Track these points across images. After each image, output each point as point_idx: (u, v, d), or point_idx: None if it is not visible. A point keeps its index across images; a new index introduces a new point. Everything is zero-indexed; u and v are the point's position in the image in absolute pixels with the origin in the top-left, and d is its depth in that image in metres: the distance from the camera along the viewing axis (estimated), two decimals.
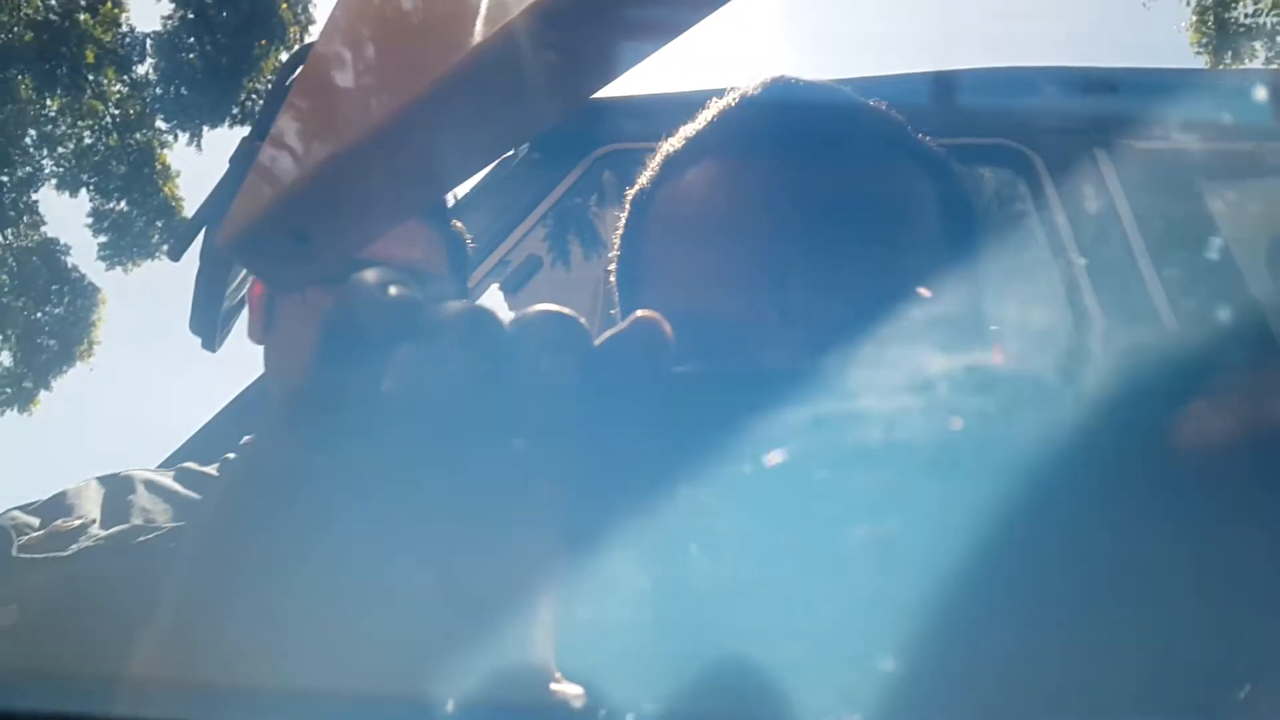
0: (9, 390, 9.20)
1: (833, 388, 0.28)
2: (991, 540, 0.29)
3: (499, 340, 0.28)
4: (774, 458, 0.28)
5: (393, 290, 0.28)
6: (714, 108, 0.53)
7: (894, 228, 0.46)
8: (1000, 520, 0.29)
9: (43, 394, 9.30)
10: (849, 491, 0.29)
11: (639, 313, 0.28)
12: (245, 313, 0.97)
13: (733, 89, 0.53)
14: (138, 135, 9.22)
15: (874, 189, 0.46)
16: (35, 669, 0.69)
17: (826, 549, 0.29)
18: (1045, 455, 0.30)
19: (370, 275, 0.29)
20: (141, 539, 0.79)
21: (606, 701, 0.28)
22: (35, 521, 0.82)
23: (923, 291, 0.41)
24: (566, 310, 0.28)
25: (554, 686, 0.29)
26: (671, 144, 0.54)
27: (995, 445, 0.29)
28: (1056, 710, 0.31)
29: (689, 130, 0.53)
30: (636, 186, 0.55)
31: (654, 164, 0.54)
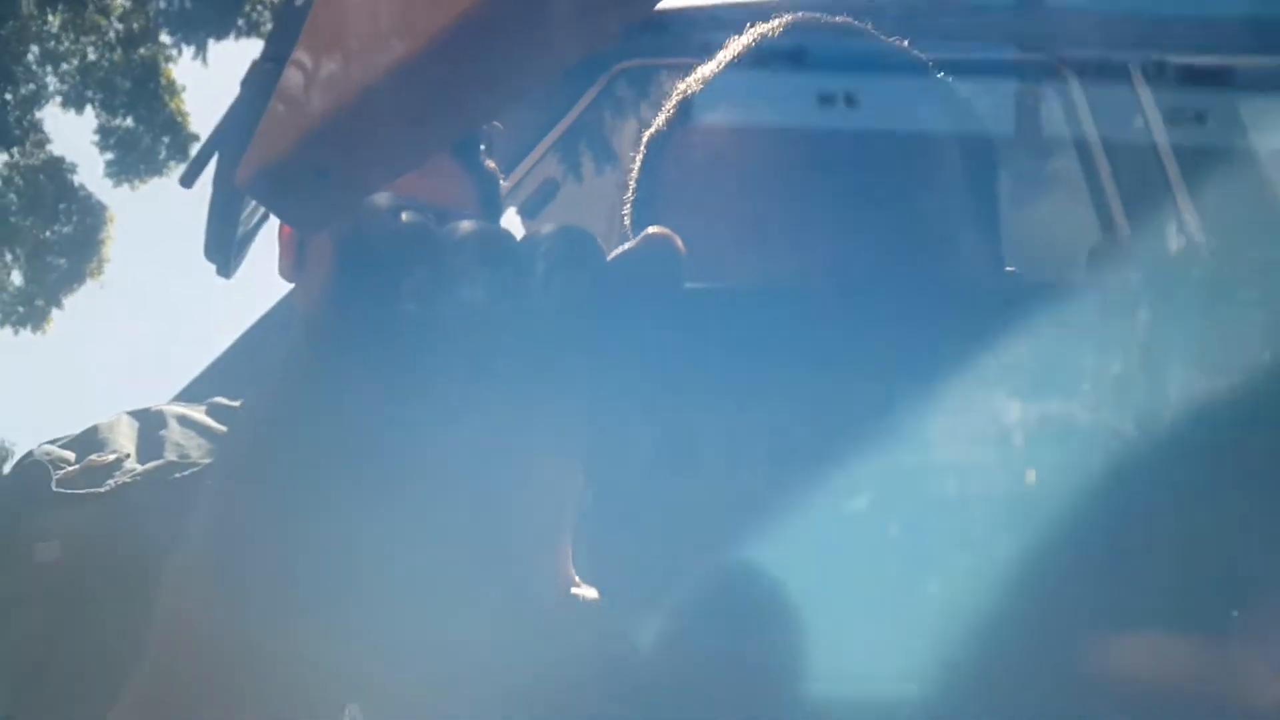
0: (21, 309, 9.24)
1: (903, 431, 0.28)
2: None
3: (512, 257, 0.27)
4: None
5: (405, 215, 0.28)
6: (731, 48, 0.51)
7: (917, 177, 0.46)
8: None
9: (55, 313, 9.34)
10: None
11: (651, 229, 0.28)
12: (261, 240, 0.96)
13: (750, 29, 0.51)
14: (142, 50, 9.08)
15: (897, 137, 0.46)
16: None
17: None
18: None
19: (382, 200, 0.28)
20: (178, 475, 0.79)
21: (622, 608, 0.29)
22: (70, 455, 0.83)
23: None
24: (579, 227, 0.28)
25: (574, 591, 0.30)
26: (689, 85, 0.53)
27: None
28: None
29: (706, 71, 0.52)
30: (653, 128, 0.54)
31: (670, 105, 0.53)
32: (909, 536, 0.28)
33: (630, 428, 0.29)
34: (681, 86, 0.53)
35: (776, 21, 0.50)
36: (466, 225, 0.28)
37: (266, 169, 0.30)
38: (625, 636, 0.29)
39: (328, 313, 0.29)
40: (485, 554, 0.29)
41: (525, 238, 0.28)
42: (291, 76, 0.30)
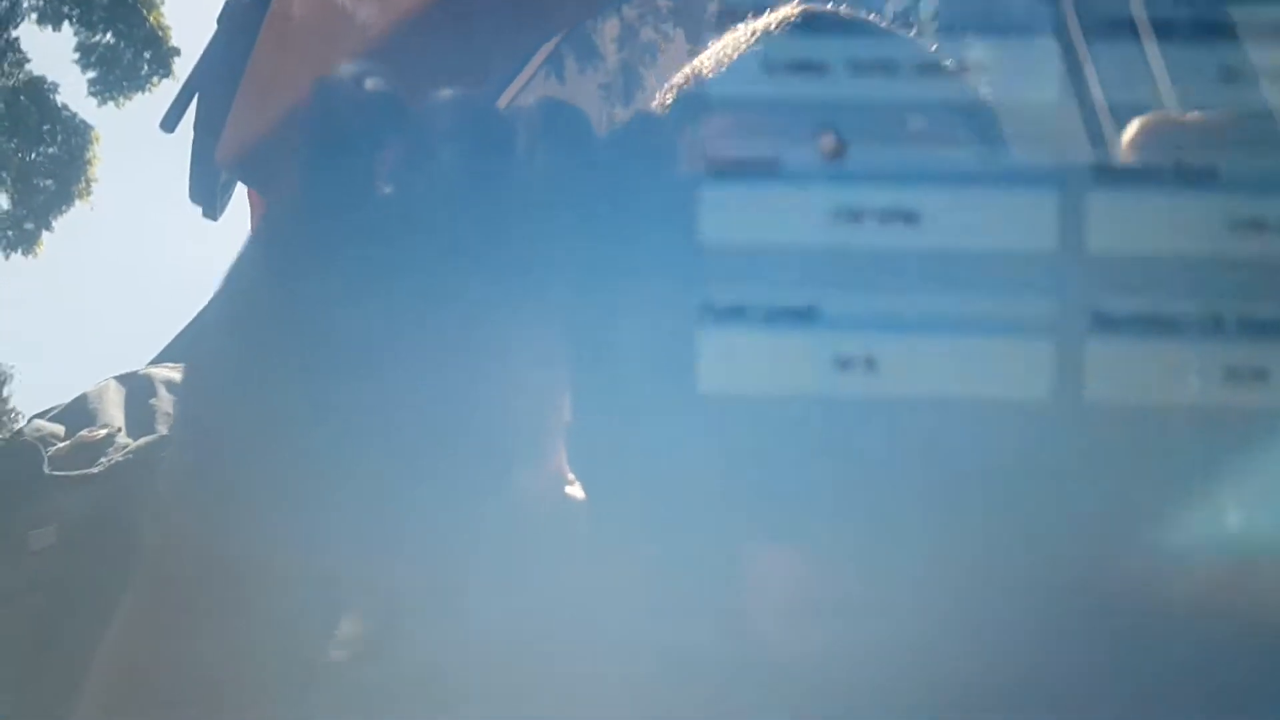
0: (10, 233, 9.15)
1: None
2: None
3: (494, 131, 0.26)
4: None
5: (371, 83, 0.26)
6: (730, 44, 0.47)
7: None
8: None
9: (45, 235, 9.25)
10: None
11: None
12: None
13: (750, 21, 0.47)
14: None
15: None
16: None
17: None
18: None
19: (346, 69, 0.27)
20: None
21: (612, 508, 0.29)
22: (60, 430, 0.82)
23: None
24: (567, 102, 0.26)
25: (568, 489, 0.29)
26: (686, 81, 0.49)
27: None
28: None
29: (704, 66, 0.48)
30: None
31: (665, 100, 0.50)
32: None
33: (623, 317, 0.28)
34: (678, 81, 0.49)
35: (778, 15, 0.45)
36: (444, 95, 0.26)
37: (244, 150, 0.29)
38: (617, 536, 0.29)
39: (295, 200, 0.27)
40: (477, 453, 0.28)
41: (508, 110, 0.27)
42: (264, 52, 0.29)
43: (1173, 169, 0.28)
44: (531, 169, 0.26)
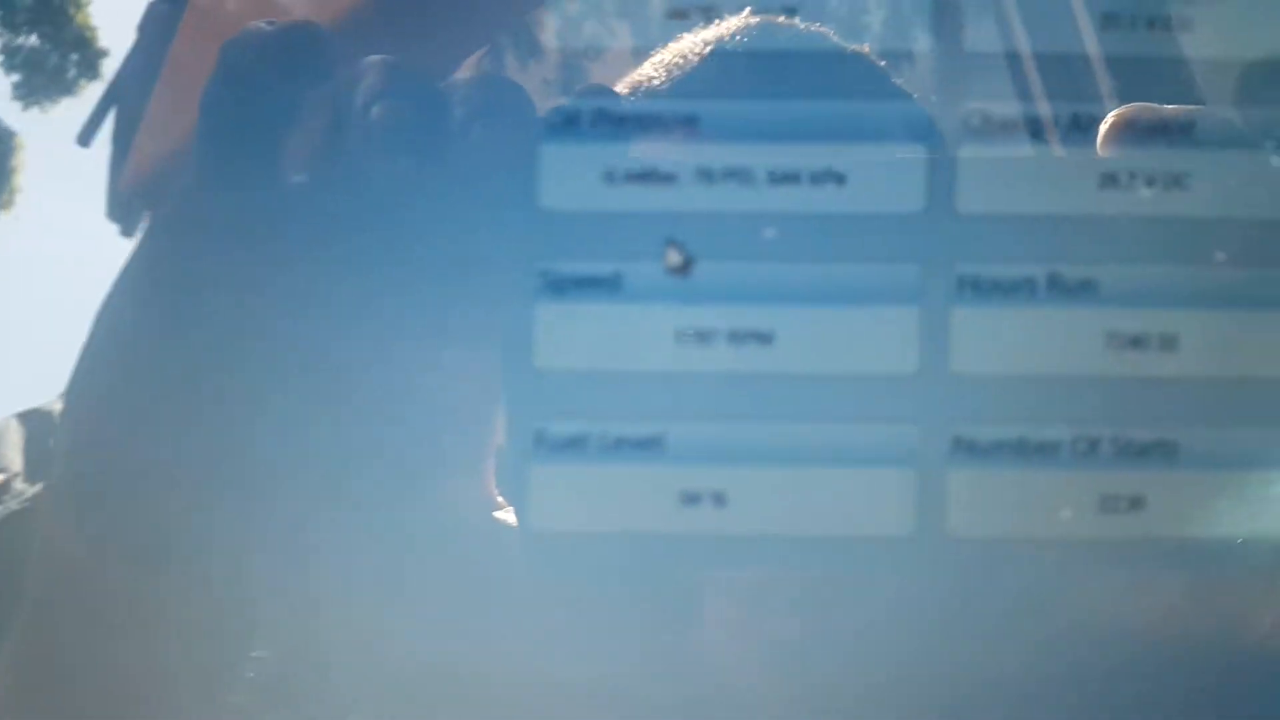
0: None
1: None
2: None
3: (429, 103, 0.24)
4: None
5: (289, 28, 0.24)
6: (681, 53, 0.45)
7: None
8: None
9: None
10: None
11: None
12: None
13: (703, 31, 0.45)
14: None
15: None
16: None
17: None
18: None
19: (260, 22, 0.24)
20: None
21: None
22: None
23: None
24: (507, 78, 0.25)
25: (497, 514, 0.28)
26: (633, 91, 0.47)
27: None
28: None
29: (650, 76, 0.46)
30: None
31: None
32: None
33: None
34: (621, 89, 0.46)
35: (732, 26, 0.43)
36: (374, 59, 0.24)
37: (149, 174, 0.26)
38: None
39: (193, 182, 0.24)
40: (405, 471, 0.26)
41: (443, 84, 0.24)
42: (175, 69, 0.27)
43: (1044, 278, 0.26)
44: (466, 144, 0.24)
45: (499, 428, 0.27)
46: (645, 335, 0.25)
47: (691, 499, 0.26)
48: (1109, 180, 0.25)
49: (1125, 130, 0.26)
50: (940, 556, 0.26)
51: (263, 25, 0.25)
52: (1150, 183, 0.26)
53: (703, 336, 0.25)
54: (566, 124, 0.25)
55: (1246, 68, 0.28)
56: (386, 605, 0.27)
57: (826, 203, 0.25)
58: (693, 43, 0.44)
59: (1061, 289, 0.25)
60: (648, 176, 0.25)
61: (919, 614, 0.26)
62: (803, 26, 0.43)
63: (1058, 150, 0.26)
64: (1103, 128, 0.26)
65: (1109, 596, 0.26)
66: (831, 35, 0.45)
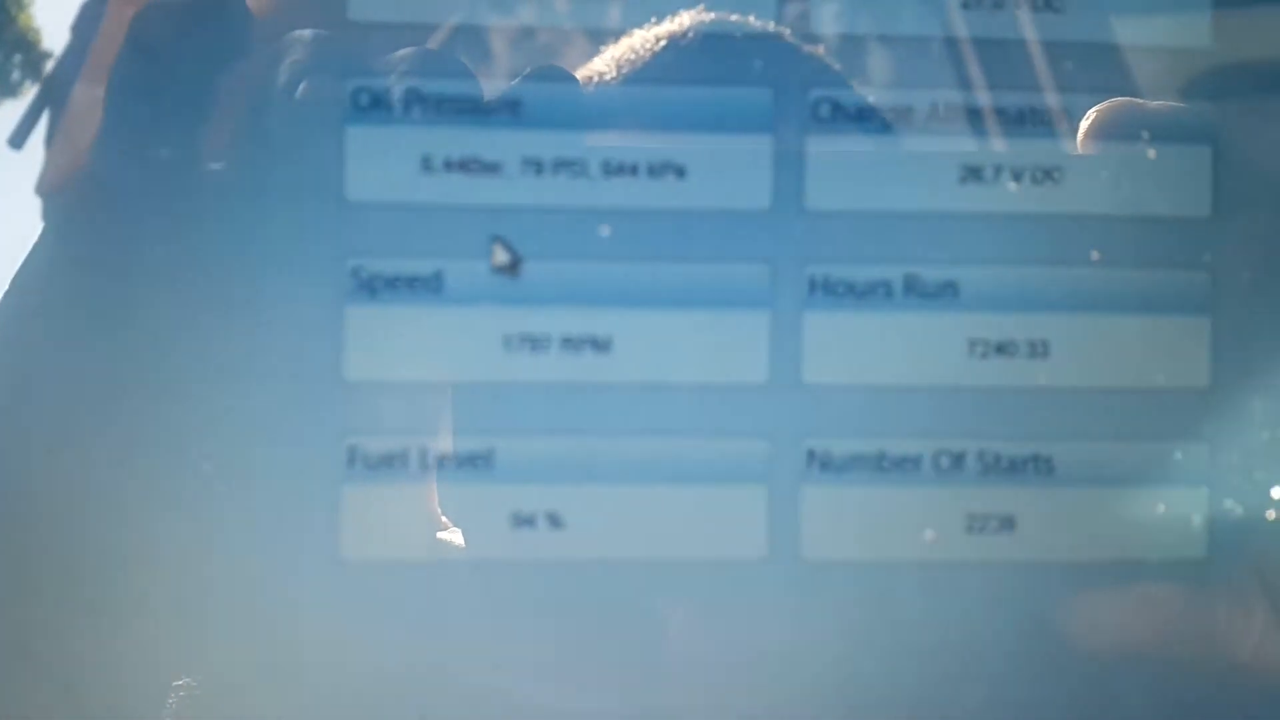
0: None
1: None
2: None
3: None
4: None
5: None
6: (632, 47, 0.43)
7: None
8: None
9: None
10: None
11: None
12: None
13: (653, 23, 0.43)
14: None
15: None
16: None
17: None
18: None
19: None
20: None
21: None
22: None
23: None
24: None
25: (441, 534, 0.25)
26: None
27: None
28: None
29: (601, 71, 0.44)
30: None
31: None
32: None
33: None
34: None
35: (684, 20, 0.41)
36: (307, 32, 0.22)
37: (63, 181, 0.24)
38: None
39: (97, 161, 0.23)
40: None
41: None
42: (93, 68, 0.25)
43: (901, 281, 0.24)
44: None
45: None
46: (469, 342, 0.23)
47: (524, 521, 0.23)
48: (972, 174, 0.24)
49: (1109, 126, 0.24)
50: (795, 581, 0.24)
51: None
52: (1017, 177, 0.24)
53: (533, 343, 0.23)
54: (376, 104, 0.23)
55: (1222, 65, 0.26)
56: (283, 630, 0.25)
57: (667, 197, 0.23)
58: (644, 37, 0.42)
59: (920, 292, 0.24)
60: (469, 165, 0.23)
61: (773, 641, 0.24)
62: (759, 25, 0.41)
63: (916, 143, 0.24)
64: (1084, 123, 0.24)
65: (980, 623, 0.24)
66: (787, 34, 0.43)
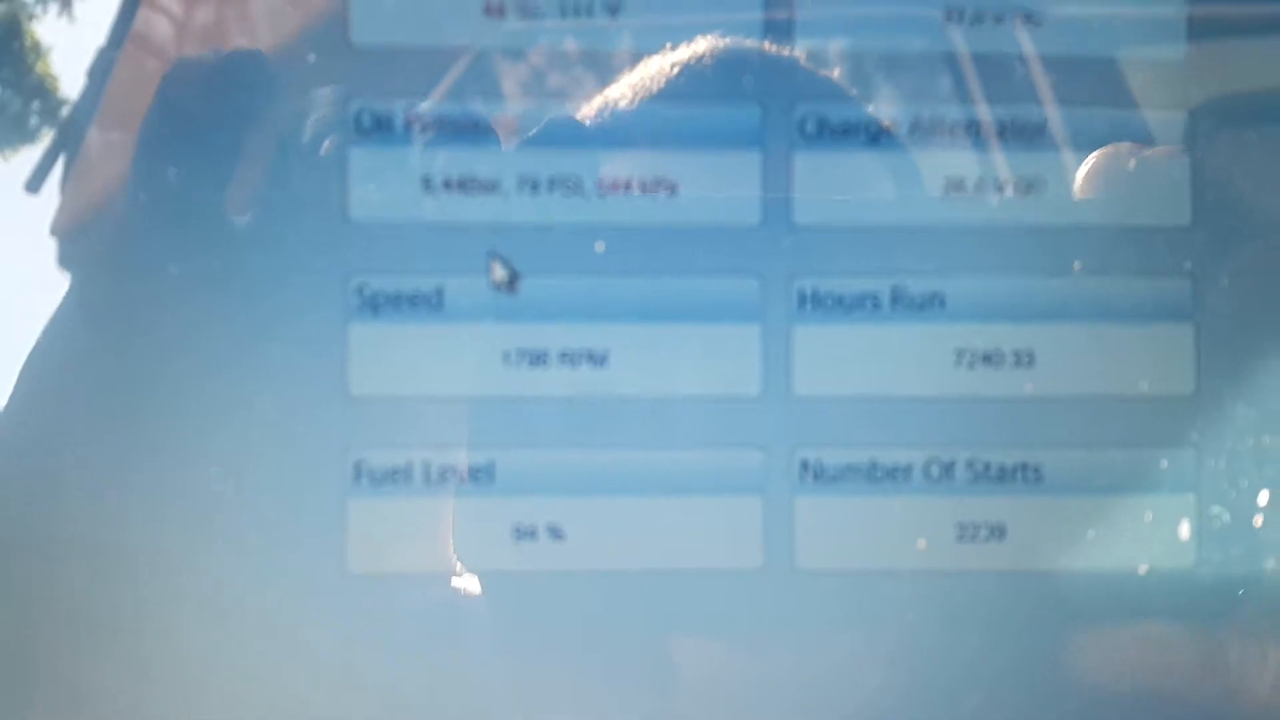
0: None
1: None
2: None
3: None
4: None
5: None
6: (646, 71, 0.44)
7: None
8: None
9: None
10: None
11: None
12: None
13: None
14: (1, 7, 8.58)
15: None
16: None
17: None
18: None
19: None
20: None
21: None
22: None
23: None
24: None
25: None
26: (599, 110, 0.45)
27: None
28: None
29: (618, 98, 0.44)
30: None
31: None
32: None
33: None
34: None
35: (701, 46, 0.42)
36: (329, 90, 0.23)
37: (74, 224, 0.25)
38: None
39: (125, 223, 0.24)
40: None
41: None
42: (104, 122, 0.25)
43: (888, 293, 0.24)
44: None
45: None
46: (469, 356, 0.24)
47: (525, 533, 0.24)
48: (956, 188, 0.24)
49: (1107, 172, 0.24)
50: (791, 590, 0.24)
51: (204, 55, 0.24)
52: (1000, 190, 0.24)
53: (532, 357, 0.24)
54: (378, 127, 0.23)
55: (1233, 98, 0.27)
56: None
57: (659, 214, 0.24)
58: (660, 63, 0.43)
59: (907, 304, 0.24)
60: (468, 185, 0.24)
61: (770, 650, 0.24)
62: (773, 50, 0.42)
63: (900, 157, 0.24)
64: (1083, 169, 0.25)
65: (975, 636, 0.25)
66: (802, 60, 0.43)
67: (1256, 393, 0.25)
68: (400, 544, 0.24)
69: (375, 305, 0.24)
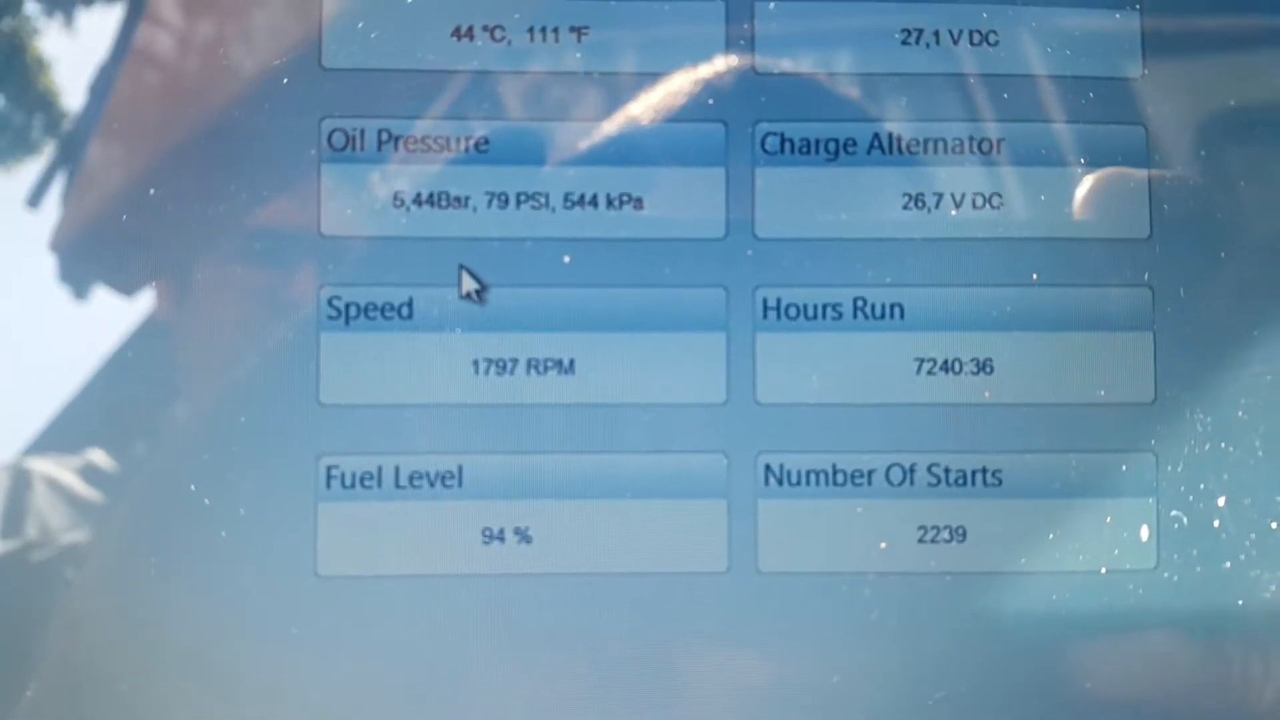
0: None
1: None
2: None
3: None
4: None
5: None
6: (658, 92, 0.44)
7: None
8: None
9: None
10: None
11: None
12: None
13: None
14: (3, 24, 8.62)
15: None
16: None
17: None
18: None
19: None
20: (36, 556, 0.72)
21: None
22: None
23: None
24: None
25: None
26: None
27: None
28: None
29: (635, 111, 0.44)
30: None
31: None
32: None
33: None
34: None
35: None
36: None
37: (76, 235, 0.26)
38: None
39: None
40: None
41: None
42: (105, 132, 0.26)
43: (849, 303, 0.25)
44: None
45: None
46: (439, 365, 0.24)
47: (494, 537, 0.24)
48: (915, 202, 0.25)
49: (1103, 194, 0.25)
50: (754, 592, 0.25)
51: None
52: (958, 203, 0.25)
53: (500, 366, 0.24)
54: (349, 146, 0.24)
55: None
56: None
57: (625, 227, 0.24)
58: (675, 82, 0.43)
59: (868, 313, 0.25)
60: (437, 200, 0.24)
61: (734, 651, 0.25)
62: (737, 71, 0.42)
63: (860, 173, 0.25)
64: (1080, 192, 0.25)
65: (935, 631, 0.25)
66: (824, 78, 0.44)
67: (1214, 400, 0.25)
68: (370, 547, 0.24)
69: (346, 316, 0.24)
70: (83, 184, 0.29)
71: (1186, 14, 0.27)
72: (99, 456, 0.25)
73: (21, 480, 0.28)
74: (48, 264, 0.28)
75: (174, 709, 0.24)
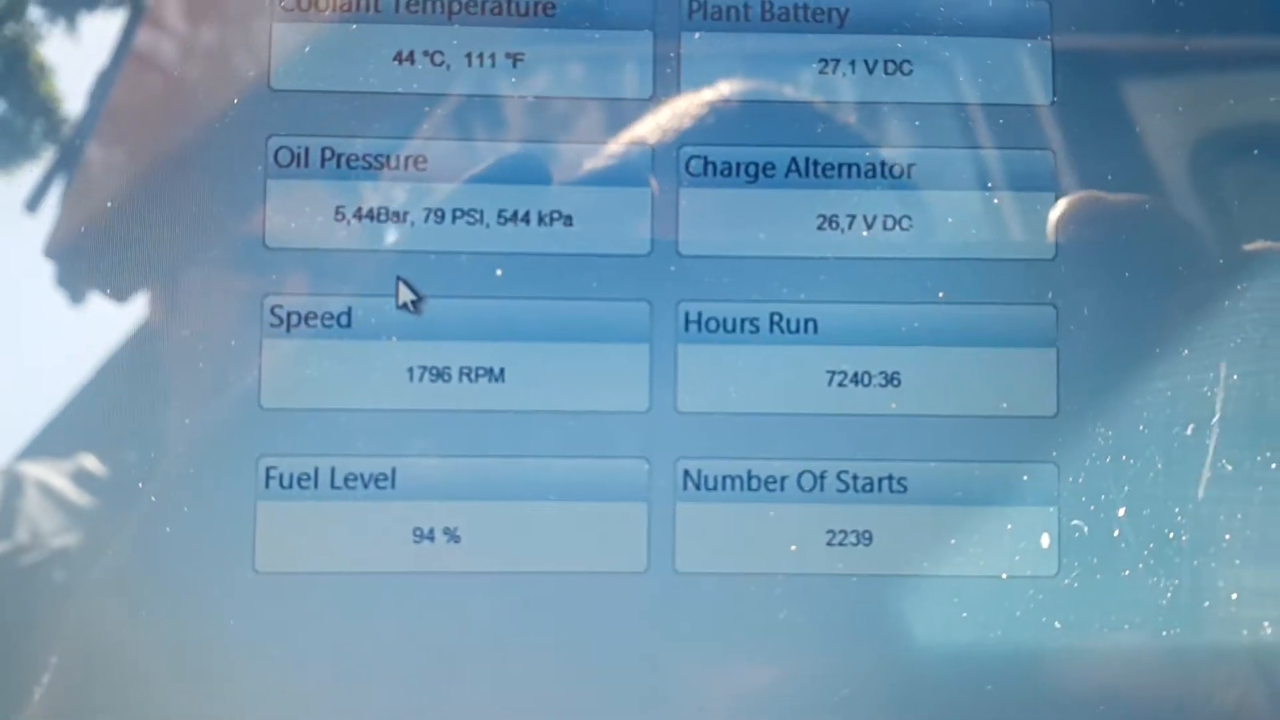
0: None
1: None
2: None
3: None
4: None
5: None
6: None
7: None
8: None
9: None
10: None
11: None
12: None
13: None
14: (6, 30, 8.63)
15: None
16: None
17: None
18: None
19: None
20: (25, 560, 0.72)
21: None
22: None
23: None
24: None
25: None
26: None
27: None
28: None
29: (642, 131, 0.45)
30: None
31: None
32: None
33: None
34: None
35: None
36: None
37: (68, 241, 0.27)
38: None
39: None
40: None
41: None
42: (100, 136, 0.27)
43: (767, 317, 0.26)
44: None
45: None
46: (375, 372, 0.26)
47: (424, 536, 0.26)
48: (829, 223, 0.26)
49: (1075, 218, 0.26)
50: (671, 592, 0.26)
51: None
52: (870, 225, 0.26)
53: (434, 373, 0.26)
54: (293, 163, 0.25)
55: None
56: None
57: (556, 243, 0.26)
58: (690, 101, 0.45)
59: (784, 327, 0.26)
60: (377, 215, 0.26)
61: (652, 650, 0.26)
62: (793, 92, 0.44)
63: (779, 194, 0.26)
64: (1053, 215, 0.27)
65: (842, 631, 0.26)
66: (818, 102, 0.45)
67: (1115, 414, 0.27)
68: (306, 545, 0.26)
69: (288, 324, 0.26)
70: (85, 189, 0.30)
71: (1096, 43, 0.28)
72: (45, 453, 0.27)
73: None
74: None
75: (113, 698, 0.26)
